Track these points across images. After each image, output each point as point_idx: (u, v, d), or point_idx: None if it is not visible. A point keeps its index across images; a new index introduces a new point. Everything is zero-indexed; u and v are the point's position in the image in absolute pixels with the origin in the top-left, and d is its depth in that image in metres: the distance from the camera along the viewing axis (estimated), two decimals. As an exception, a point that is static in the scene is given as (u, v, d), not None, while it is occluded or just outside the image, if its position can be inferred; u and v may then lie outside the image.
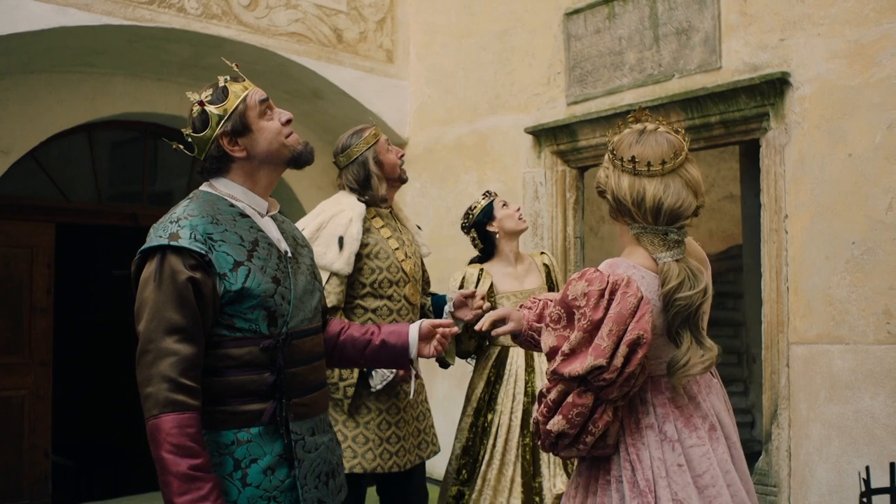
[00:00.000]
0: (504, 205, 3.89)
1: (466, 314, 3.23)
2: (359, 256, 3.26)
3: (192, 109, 2.12)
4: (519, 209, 3.91)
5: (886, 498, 3.43)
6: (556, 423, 1.99)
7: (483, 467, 3.69)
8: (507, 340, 3.77)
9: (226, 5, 5.81)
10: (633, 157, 2.04)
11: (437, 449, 3.57)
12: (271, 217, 2.22)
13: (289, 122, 2.19)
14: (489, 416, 3.74)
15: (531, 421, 2.18)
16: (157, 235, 1.98)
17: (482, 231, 3.90)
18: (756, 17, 4.55)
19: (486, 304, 3.25)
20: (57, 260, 6.46)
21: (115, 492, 7.05)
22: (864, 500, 3.35)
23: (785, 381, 4.31)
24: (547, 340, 2.03)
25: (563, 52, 5.66)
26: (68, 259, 7.88)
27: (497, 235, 3.86)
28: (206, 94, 2.12)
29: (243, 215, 2.11)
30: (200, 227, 1.98)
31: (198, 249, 1.94)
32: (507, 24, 6.12)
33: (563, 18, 5.66)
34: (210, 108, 2.09)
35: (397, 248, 3.37)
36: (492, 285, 3.80)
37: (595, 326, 1.96)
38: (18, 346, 6.19)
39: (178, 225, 1.98)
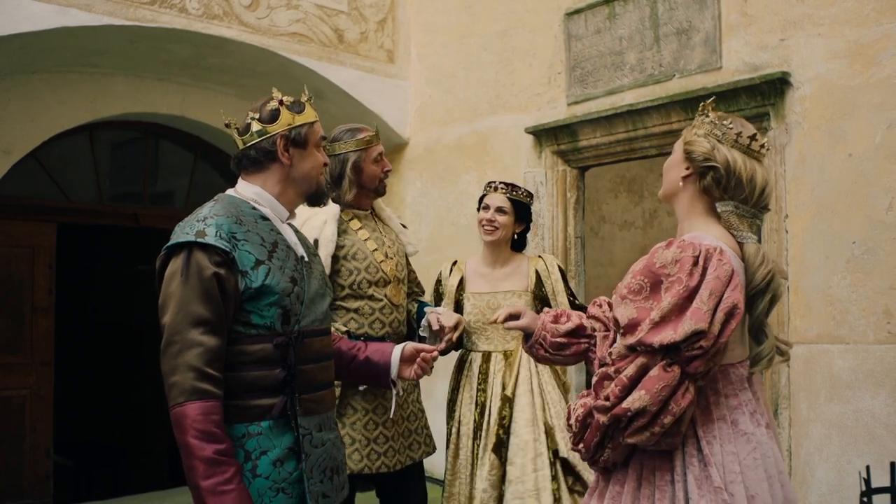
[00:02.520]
0: (484, 208, 3.66)
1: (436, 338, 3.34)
2: (336, 258, 3.28)
3: (268, 101, 2.25)
4: (492, 220, 3.60)
5: (887, 497, 3.43)
6: (637, 399, 1.86)
7: (448, 477, 3.62)
8: (468, 343, 3.68)
9: (227, 6, 5.81)
10: (755, 136, 2.07)
11: (431, 450, 3.53)
12: (289, 224, 2.34)
13: (326, 164, 2.38)
14: (450, 424, 3.67)
15: (572, 423, 2.05)
16: (183, 232, 2.08)
17: None
18: (756, 17, 4.55)
19: (455, 335, 3.32)
20: (58, 260, 6.47)
21: (115, 492, 7.05)
22: (865, 499, 3.35)
23: (785, 380, 4.32)
24: (625, 312, 1.94)
25: (564, 52, 5.66)
26: (69, 259, 7.88)
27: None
28: (288, 98, 2.27)
29: (264, 218, 2.22)
30: (225, 226, 2.08)
31: (223, 247, 2.04)
32: (507, 24, 6.13)
33: (564, 18, 5.67)
34: (285, 111, 2.24)
35: (375, 249, 3.37)
36: (462, 281, 3.71)
37: (690, 294, 1.88)
38: (20, 346, 6.19)
39: (204, 223, 2.07)
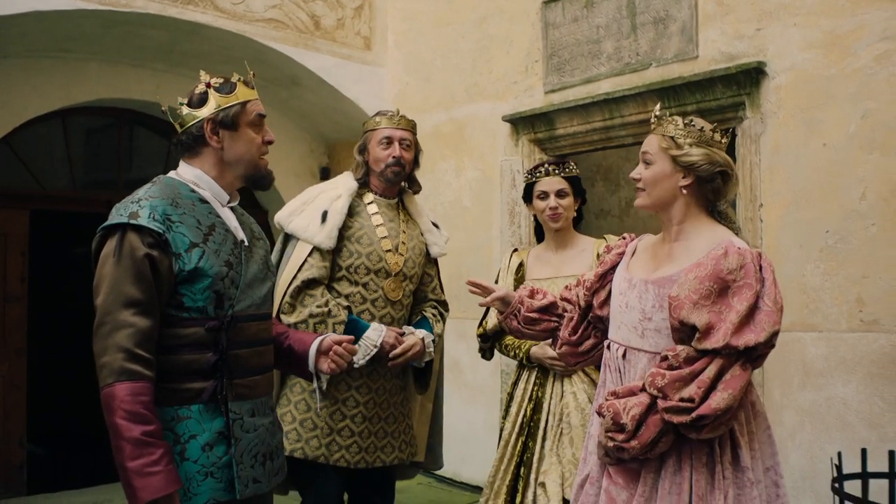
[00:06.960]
0: (541, 196, 3.38)
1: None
2: (340, 236, 3.18)
3: (197, 85, 2.24)
4: (556, 207, 3.34)
5: (858, 483, 3.47)
6: (725, 398, 1.98)
7: (490, 474, 3.41)
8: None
9: (202, -9, 5.75)
10: (716, 129, 2.23)
11: (406, 456, 3.33)
12: (231, 208, 2.31)
13: (270, 142, 2.30)
14: (504, 420, 3.46)
15: (625, 422, 2.07)
16: (118, 214, 2.09)
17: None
18: (733, 6, 4.57)
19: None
20: (31, 248, 6.39)
21: (91, 481, 7.01)
22: (836, 485, 3.39)
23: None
24: (701, 318, 2.02)
25: (541, 40, 5.66)
26: (42, 247, 7.78)
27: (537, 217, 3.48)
28: (216, 81, 2.24)
29: (203, 201, 2.21)
30: (160, 207, 2.09)
31: (156, 228, 2.04)
32: (485, 12, 6.11)
33: (542, 7, 5.66)
34: (214, 94, 2.21)
35: (385, 237, 3.26)
36: (522, 268, 3.50)
37: (757, 297, 2.02)
38: (-8, 334, 6.12)
39: (138, 205, 2.09)
